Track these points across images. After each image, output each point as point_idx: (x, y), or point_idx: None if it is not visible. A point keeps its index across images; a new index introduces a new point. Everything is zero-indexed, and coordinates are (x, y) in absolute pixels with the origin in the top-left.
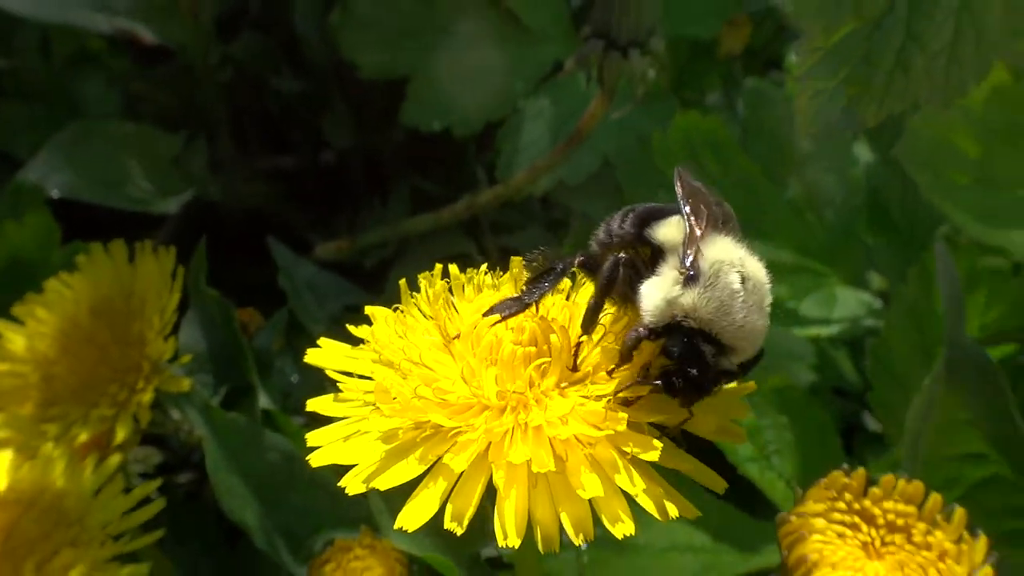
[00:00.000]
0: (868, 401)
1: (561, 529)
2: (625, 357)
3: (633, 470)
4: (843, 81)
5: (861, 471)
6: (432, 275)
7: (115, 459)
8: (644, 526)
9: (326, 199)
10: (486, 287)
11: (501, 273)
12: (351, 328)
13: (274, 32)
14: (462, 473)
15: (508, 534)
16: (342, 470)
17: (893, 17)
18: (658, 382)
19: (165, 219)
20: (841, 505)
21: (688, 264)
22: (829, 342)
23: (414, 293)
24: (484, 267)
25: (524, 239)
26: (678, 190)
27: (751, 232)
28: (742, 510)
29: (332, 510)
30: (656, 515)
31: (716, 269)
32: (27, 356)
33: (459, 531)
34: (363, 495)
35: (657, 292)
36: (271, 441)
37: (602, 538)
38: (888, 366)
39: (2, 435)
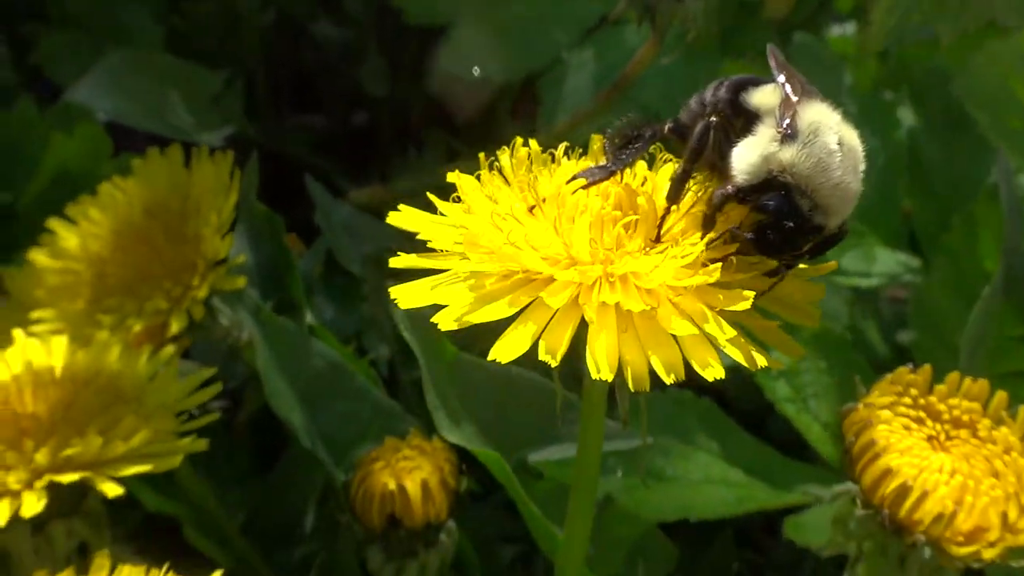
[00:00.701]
0: (910, 350)
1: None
2: (710, 218)
3: (722, 320)
4: None
5: (927, 367)
6: (513, 146)
7: (169, 349)
8: (681, 458)
9: (358, 156)
10: (565, 162)
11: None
12: (433, 199)
13: None
14: (555, 313)
15: (601, 368)
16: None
17: None
18: (751, 236)
19: None
20: (907, 400)
21: (786, 123)
22: (860, 314)
23: (495, 163)
24: (563, 145)
25: None
26: (771, 62)
27: None
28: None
29: (375, 421)
30: (744, 363)
31: (814, 128)
32: (80, 254)
33: (553, 363)
34: (411, 408)
35: (752, 150)
36: (318, 348)
37: (634, 466)
38: (930, 316)
39: (54, 326)
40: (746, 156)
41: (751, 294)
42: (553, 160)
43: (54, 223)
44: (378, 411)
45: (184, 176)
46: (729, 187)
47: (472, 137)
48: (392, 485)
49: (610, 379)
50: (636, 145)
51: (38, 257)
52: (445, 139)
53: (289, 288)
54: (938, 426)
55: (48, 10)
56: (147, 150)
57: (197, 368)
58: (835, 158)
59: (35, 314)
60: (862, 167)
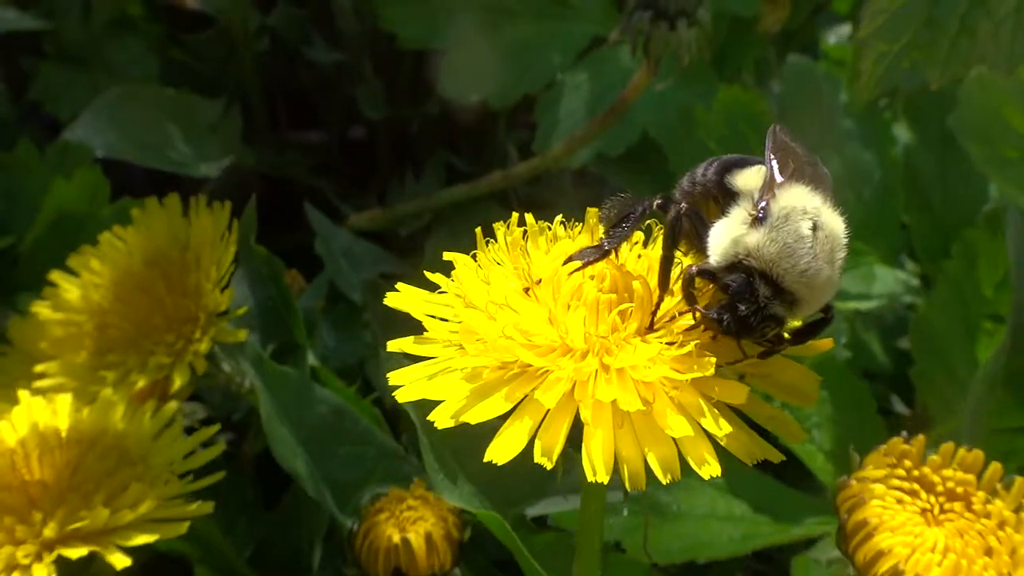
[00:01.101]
0: (911, 376)
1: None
2: (687, 295)
3: (718, 414)
4: (907, 44)
5: (921, 438)
6: (508, 224)
7: (173, 405)
8: (685, 491)
9: (356, 172)
10: (561, 237)
11: (576, 224)
12: (429, 275)
13: (308, 2)
14: (549, 410)
15: (596, 470)
16: (391, 425)
17: None
18: (713, 315)
19: (200, 185)
20: (900, 472)
21: (761, 206)
22: (862, 325)
23: (489, 241)
24: (559, 218)
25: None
26: (768, 142)
27: None
28: (781, 482)
29: (379, 465)
30: (743, 459)
31: (786, 213)
32: (82, 306)
33: (548, 465)
34: (407, 453)
35: (725, 232)
36: (320, 395)
37: (643, 503)
38: (930, 341)
39: (59, 381)
40: (718, 237)
41: (745, 389)
42: (550, 229)
43: (56, 275)
44: (382, 453)
45: (183, 226)
46: (694, 267)
47: (470, 153)
48: (396, 538)
49: (605, 481)
50: (627, 224)
51: (41, 309)
52: (444, 157)
53: (291, 329)
54: (932, 498)
55: (45, 45)
56: (145, 200)
57: (199, 408)
58: (804, 244)
59: (39, 367)
60: (841, 255)
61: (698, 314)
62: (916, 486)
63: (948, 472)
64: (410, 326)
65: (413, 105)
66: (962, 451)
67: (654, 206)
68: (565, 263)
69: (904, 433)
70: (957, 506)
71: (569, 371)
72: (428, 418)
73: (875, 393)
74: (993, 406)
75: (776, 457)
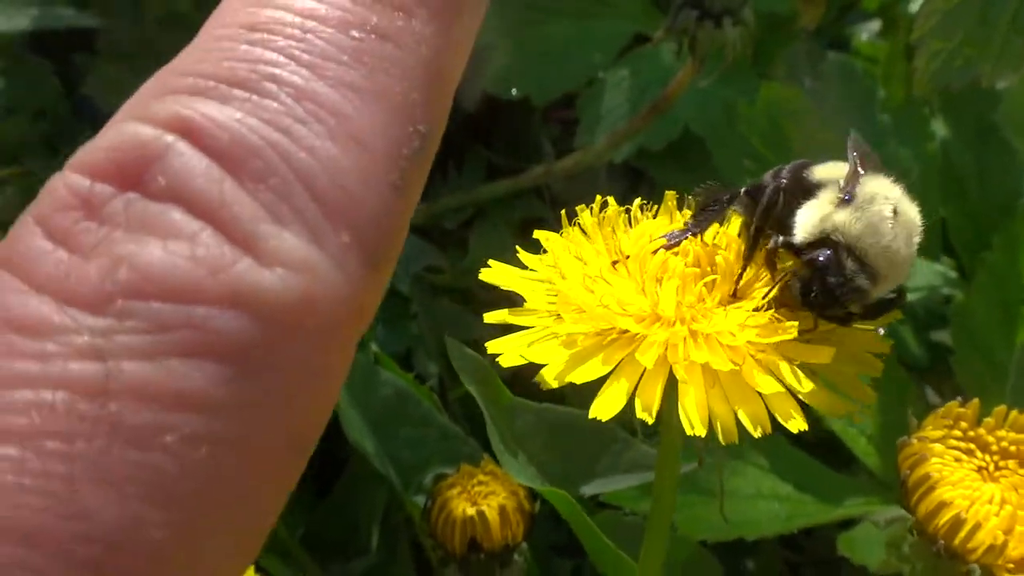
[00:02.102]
0: (951, 365)
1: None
2: (769, 262)
3: (800, 373)
4: (961, 42)
5: (975, 401)
6: (593, 205)
7: None
8: (732, 474)
9: None
10: (642, 218)
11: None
12: (521, 252)
13: None
14: (645, 370)
15: (694, 424)
16: (450, 409)
17: None
18: (799, 286)
19: None
20: (957, 432)
21: (846, 189)
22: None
23: (575, 220)
24: (638, 201)
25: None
26: (849, 142)
27: None
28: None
29: (441, 446)
30: (827, 413)
31: (871, 195)
32: None
33: (650, 421)
34: (467, 431)
35: (813, 212)
36: (385, 377)
37: (692, 483)
38: (971, 331)
39: None
40: (806, 216)
41: (830, 349)
42: (628, 214)
43: None
44: (443, 435)
45: None
46: (781, 238)
47: (507, 148)
48: (472, 511)
49: (703, 435)
50: (714, 208)
51: None
52: (483, 153)
53: None
54: (987, 457)
55: (97, 42)
56: None
57: None
58: (886, 224)
59: None
60: (917, 239)
61: (784, 283)
62: (972, 446)
63: (1001, 432)
64: (454, 318)
65: (453, 102)
66: (1014, 413)
67: (742, 193)
68: (655, 251)
69: (959, 398)
70: (1011, 463)
71: (662, 337)
72: (535, 379)
73: None
74: None
75: (852, 408)
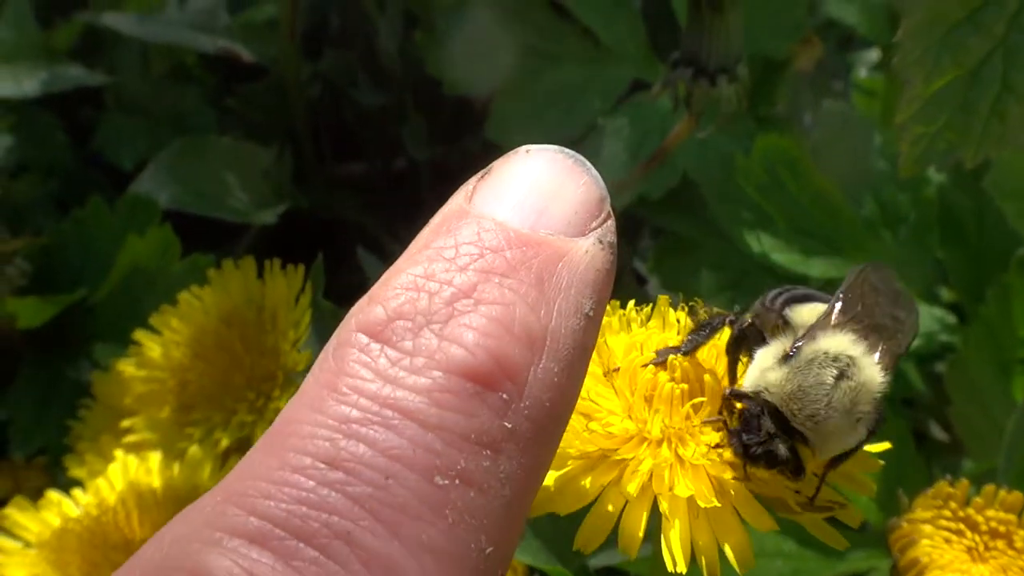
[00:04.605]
0: (948, 415)
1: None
2: (725, 410)
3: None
4: (942, 127)
5: (964, 482)
6: None
7: None
8: None
9: (401, 204)
10: (634, 322)
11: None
12: None
13: (353, 47)
14: (628, 501)
15: (676, 560)
16: None
17: (990, 68)
18: (730, 433)
19: (245, 228)
20: (947, 513)
21: (794, 344)
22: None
23: None
24: (631, 303)
25: None
26: (846, 281)
27: (827, 248)
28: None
29: None
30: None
31: (814, 357)
32: (163, 363)
33: (632, 555)
34: None
35: (759, 361)
36: None
37: None
38: (967, 383)
39: (145, 436)
40: (754, 363)
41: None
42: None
43: (139, 334)
44: None
45: (258, 288)
46: (734, 390)
47: None
48: None
49: (684, 571)
50: (705, 332)
51: (126, 367)
52: None
53: None
54: (976, 537)
55: (106, 97)
56: (222, 261)
57: None
58: (820, 390)
59: (126, 423)
60: (864, 410)
61: (723, 429)
62: (962, 526)
63: (991, 512)
64: None
65: (455, 144)
66: (1003, 492)
67: (726, 322)
68: (645, 365)
69: (948, 477)
70: (1000, 544)
71: (648, 463)
72: None
73: (913, 419)
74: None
75: (840, 544)
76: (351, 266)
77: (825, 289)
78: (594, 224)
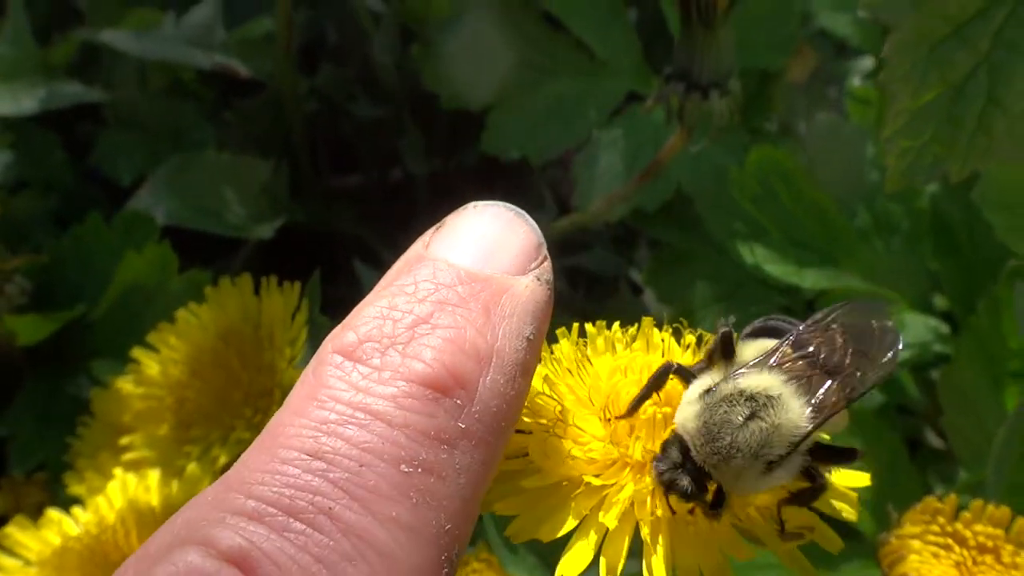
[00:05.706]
0: (941, 425)
1: None
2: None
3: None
4: (929, 141)
5: (952, 497)
6: (569, 332)
7: None
8: None
9: (397, 218)
10: (619, 343)
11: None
12: None
13: (350, 61)
14: (610, 528)
15: None
16: None
17: (975, 82)
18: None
19: (243, 241)
20: (935, 528)
21: (716, 382)
22: None
23: (552, 346)
24: (616, 324)
25: (591, 259)
26: (811, 319)
27: (821, 258)
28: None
29: None
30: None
31: (727, 396)
32: (162, 380)
33: None
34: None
35: (688, 392)
36: None
37: None
38: (959, 394)
39: (143, 454)
40: (685, 394)
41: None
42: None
43: (138, 352)
44: None
45: (255, 305)
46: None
47: (508, 197)
48: None
49: None
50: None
51: (124, 385)
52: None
53: None
54: (964, 552)
55: (104, 113)
56: (219, 279)
57: None
58: (725, 429)
59: (124, 440)
60: (775, 454)
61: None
62: (950, 540)
63: (979, 527)
64: None
65: (451, 157)
66: (990, 507)
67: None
68: (620, 418)
69: (938, 492)
70: (988, 558)
71: (629, 490)
72: (506, 534)
73: (909, 427)
74: (1014, 460)
75: (811, 573)
76: (348, 278)
77: (820, 301)
78: (533, 265)
